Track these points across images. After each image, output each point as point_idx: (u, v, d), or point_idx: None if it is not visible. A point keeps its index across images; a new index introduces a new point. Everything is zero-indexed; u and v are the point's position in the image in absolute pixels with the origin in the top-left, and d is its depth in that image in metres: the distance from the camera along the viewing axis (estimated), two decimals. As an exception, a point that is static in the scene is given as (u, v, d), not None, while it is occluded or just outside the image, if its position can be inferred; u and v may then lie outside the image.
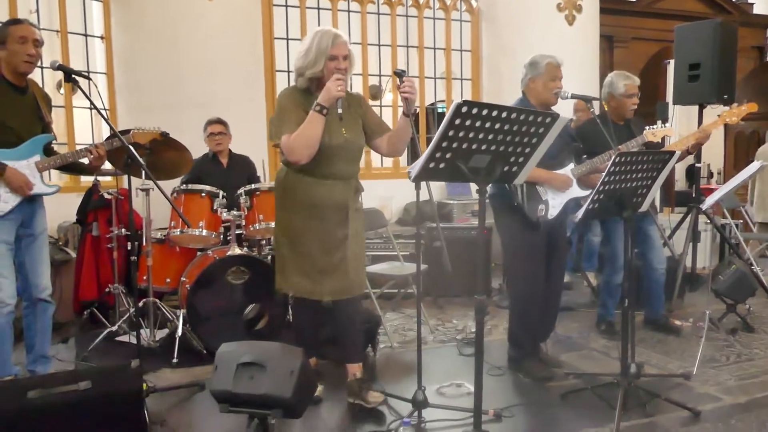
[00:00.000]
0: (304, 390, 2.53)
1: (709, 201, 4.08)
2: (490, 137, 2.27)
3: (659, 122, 3.81)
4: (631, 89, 4.05)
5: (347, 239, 3.10)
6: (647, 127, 3.77)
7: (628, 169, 2.90)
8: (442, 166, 2.27)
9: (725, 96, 5.21)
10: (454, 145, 2.23)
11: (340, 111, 2.92)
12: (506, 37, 7.03)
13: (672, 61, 6.76)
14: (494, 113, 2.21)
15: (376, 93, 8.59)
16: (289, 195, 3.09)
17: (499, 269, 5.44)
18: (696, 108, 5.42)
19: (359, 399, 3.17)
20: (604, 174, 2.82)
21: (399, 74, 2.94)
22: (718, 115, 3.95)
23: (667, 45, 7.71)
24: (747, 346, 4.13)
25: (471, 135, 2.22)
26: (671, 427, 2.93)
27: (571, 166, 3.65)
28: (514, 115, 2.26)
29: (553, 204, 3.55)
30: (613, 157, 2.78)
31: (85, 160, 3.21)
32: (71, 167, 3.31)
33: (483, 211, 2.42)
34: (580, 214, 2.95)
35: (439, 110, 7.91)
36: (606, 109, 4.06)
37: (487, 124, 2.22)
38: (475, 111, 2.16)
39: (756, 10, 8.73)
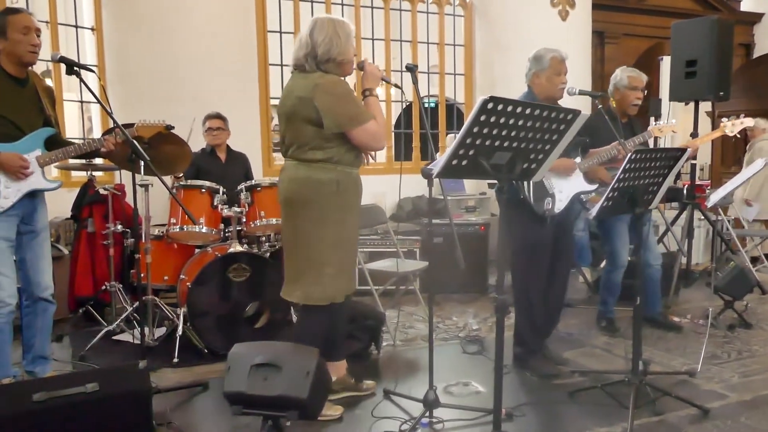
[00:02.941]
0: (320, 391, 2.48)
1: (714, 199, 4.09)
2: (513, 134, 2.23)
3: (661, 120, 3.82)
4: (634, 81, 4.07)
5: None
6: (654, 123, 3.77)
7: (642, 166, 2.89)
8: (464, 163, 2.22)
9: (721, 93, 5.23)
10: (478, 141, 2.18)
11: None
12: (499, 32, 7.02)
13: (665, 58, 6.82)
14: (518, 109, 2.17)
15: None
16: (343, 193, 2.91)
17: (496, 265, 5.45)
18: (680, 105, 5.45)
19: (354, 390, 3.21)
20: (619, 171, 2.80)
21: (411, 69, 2.94)
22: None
23: (658, 41, 7.77)
24: (746, 343, 4.16)
25: (495, 132, 2.18)
26: (682, 426, 2.93)
27: (578, 160, 3.64)
28: (537, 112, 2.23)
29: (560, 198, 3.53)
30: (629, 155, 2.77)
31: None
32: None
33: (503, 209, 2.38)
34: (594, 210, 2.93)
35: (431, 105, 7.86)
36: (613, 105, 4.06)
37: (511, 121, 2.19)
38: (500, 107, 2.12)
39: (743, 8, 8.81)
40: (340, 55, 2.88)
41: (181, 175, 4.33)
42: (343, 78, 2.95)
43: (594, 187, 3.62)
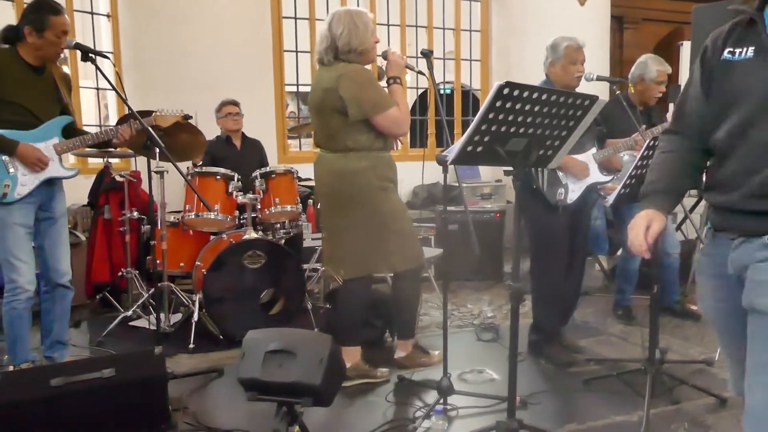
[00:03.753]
0: (333, 378, 2.48)
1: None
2: (529, 120, 2.21)
3: None
4: (663, 76, 4.00)
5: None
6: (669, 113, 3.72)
7: (660, 153, 2.84)
8: (479, 149, 2.20)
9: (742, 79, 5.14)
10: (493, 128, 2.16)
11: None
12: (516, 17, 6.94)
13: (685, 43, 6.69)
14: (534, 95, 2.14)
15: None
16: (380, 175, 3.08)
17: (511, 253, 5.41)
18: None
19: (368, 377, 3.28)
20: (637, 158, 2.76)
21: (426, 54, 2.93)
22: None
23: (678, 27, 7.63)
24: (765, 332, 4.11)
25: (510, 117, 2.16)
26: (698, 415, 2.91)
27: (593, 150, 3.59)
28: (553, 98, 2.20)
29: (573, 188, 3.49)
30: (647, 141, 2.73)
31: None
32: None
33: (519, 197, 2.36)
34: (611, 198, 2.90)
35: (447, 92, 7.81)
36: (632, 91, 3.99)
37: (527, 107, 2.16)
38: (516, 93, 2.09)
39: (766, -8, 8.64)
40: (361, 45, 3.00)
41: (200, 163, 4.36)
42: (366, 66, 3.06)
43: (609, 178, 3.58)
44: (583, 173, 3.49)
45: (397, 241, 3.13)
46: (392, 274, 3.34)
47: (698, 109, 1.76)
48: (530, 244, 3.56)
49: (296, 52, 6.39)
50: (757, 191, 1.58)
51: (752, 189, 1.59)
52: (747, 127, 1.60)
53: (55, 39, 2.93)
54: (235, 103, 4.78)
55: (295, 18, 6.36)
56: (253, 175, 4.16)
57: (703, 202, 5.23)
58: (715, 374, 3.38)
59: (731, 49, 1.65)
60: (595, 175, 3.56)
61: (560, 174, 3.45)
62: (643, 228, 1.75)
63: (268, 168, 4.24)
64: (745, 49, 1.62)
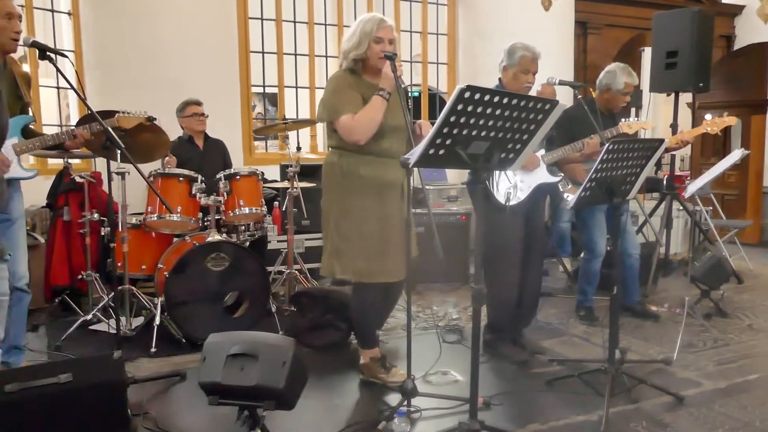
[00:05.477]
0: (296, 380, 2.47)
1: (692, 189, 4.12)
2: (490, 123, 2.23)
3: (635, 116, 3.84)
4: (629, 87, 4.08)
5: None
6: (623, 119, 3.79)
7: (619, 157, 2.89)
8: (441, 152, 2.22)
9: (701, 84, 5.27)
10: (455, 131, 2.18)
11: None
12: (483, 21, 7.00)
13: (646, 49, 6.83)
14: (496, 99, 2.16)
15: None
16: (349, 176, 3.07)
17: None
18: (661, 96, 5.49)
19: (381, 378, 3.25)
20: (597, 162, 2.81)
21: (390, 57, 2.92)
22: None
23: (640, 32, 7.78)
24: (722, 331, 4.21)
25: (472, 121, 2.18)
26: (657, 413, 2.96)
27: (542, 152, 3.64)
28: (514, 101, 2.22)
29: (521, 188, 3.53)
30: (606, 146, 2.77)
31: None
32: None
33: (481, 198, 2.38)
34: (572, 201, 2.94)
35: (414, 94, 7.84)
36: (594, 96, 4.06)
37: (488, 110, 2.18)
38: (477, 96, 2.11)
39: (725, 0, 8.84)
40: (351, 51, 3.05)
41: (174, 164, 4.27)
42: (346, 72, 3.08)
43: (557, 179, 3.64)
44: (533, 164, 3.54)
45: (343, 246, 3.09)
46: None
47: None
48: (483, 246, 3.59)
49: (263, 53, 6.34)
50: None
51: None
52: None
53: (4, 23, 2.84)
54: (199, 103, 4.72)
55: (262, 19, 6.31)
56: (218, 176, 4.12)
57: (662, 205, 5.35)
58: (673, 373, 3.45)
59: None
60: (543, 175, 3.61)
61: (509, 173, 3.47)
62: None
63: (232, 170, 4.20)
64: None
